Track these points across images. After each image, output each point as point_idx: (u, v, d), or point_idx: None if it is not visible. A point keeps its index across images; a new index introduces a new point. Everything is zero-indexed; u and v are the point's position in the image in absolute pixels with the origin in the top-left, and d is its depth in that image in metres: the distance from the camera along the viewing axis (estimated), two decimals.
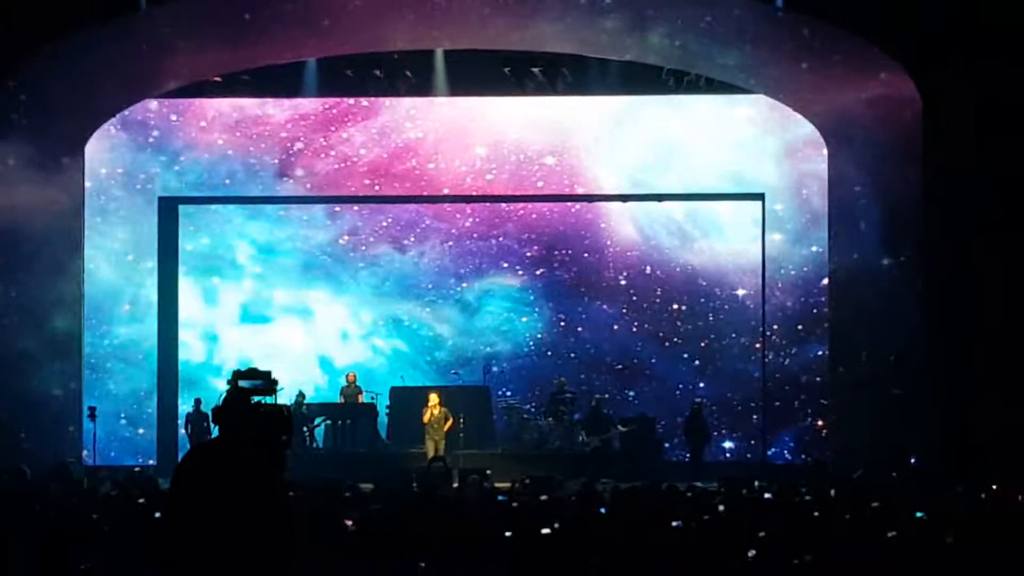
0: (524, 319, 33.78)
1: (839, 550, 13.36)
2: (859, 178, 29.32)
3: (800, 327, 31.83)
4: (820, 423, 31.23)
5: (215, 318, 33.25)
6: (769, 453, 31.61)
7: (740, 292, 33.02)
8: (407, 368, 33.08)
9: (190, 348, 33.00)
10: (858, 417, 29.02)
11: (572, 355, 33.54)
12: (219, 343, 33.14)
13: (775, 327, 32.17)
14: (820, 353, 31.13)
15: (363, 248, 33.54)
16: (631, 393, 32.97)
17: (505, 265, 33.74)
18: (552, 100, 32.06)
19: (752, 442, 32.38)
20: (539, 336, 33.88)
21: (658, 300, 33.72)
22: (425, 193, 32.79)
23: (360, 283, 33.39)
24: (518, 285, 33.73)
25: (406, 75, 31.68)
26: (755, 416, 32.47)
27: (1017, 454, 24.35)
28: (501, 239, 33.58)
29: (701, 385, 33.05)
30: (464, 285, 33.60)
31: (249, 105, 32.47)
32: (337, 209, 33.76)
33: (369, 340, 33.30)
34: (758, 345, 32.55)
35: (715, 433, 31.81)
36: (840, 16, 27.27)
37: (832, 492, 21.33)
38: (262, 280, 33.36)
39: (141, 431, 31.87)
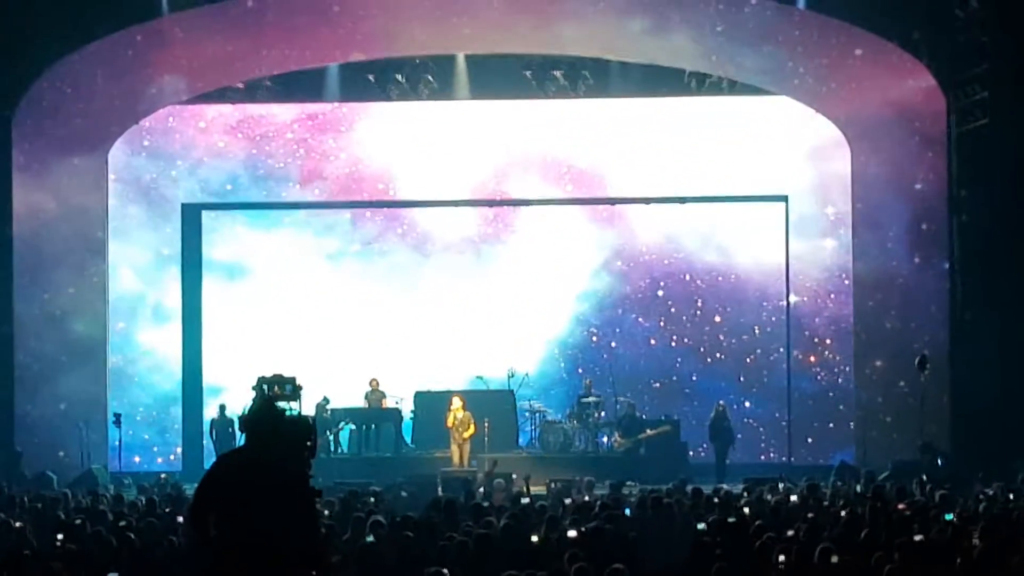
0: (553, 334, 33.17)
1: (867, 553, 13.30)
2: (883, 178, 29.24)
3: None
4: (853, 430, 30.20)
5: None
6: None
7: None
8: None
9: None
10: (884, 418, 28.95)
11: (605, 372, 31.91)
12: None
13: (828, 341, 31.29)
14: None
15: (374, 255, 33.25)
16: (672, 414, 31.08)
17: (530, 274, 33.04)
18: (574, 103, 31.96)
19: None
20: (568, 352, 33.10)
21: (698, 312, 32.65)
22: (445, 198, 32.68)
23: (375, 290, 33.13)
24: (545, 296, 32.92)
25: (427, 79, 31.68)
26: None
27: None
28: (524, 245, 33.26)
29: (747, 404, 31.99)
30: (487, 295, 33.18)
31: (264, 109, 32.36)
32: (348, 215, 33.47)
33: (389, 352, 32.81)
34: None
35: (762, 456, 31.49)
36: (862, 16, 27.24)
37: (858, 491, 21.35)
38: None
39: (166, 437, 31.87)
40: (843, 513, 17.26)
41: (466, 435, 28.71)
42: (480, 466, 27.18)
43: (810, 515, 17.25)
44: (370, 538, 15.29)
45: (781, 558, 13.47)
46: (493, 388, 31.52)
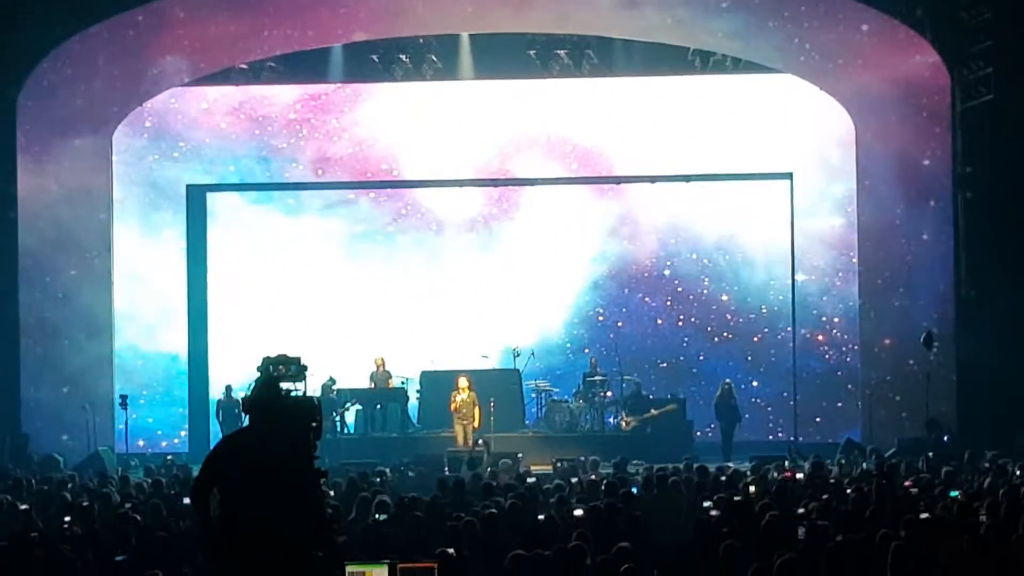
0: (559, 314, 33.08)
1: (873, 530, 13.28)
2: (888, 155, 29.18)
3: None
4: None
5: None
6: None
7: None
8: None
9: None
10: (892, 396, 28.92)
11: (612, 352, 31.74)
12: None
13: (835, 319, 31.26)
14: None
15: (379, 236, 33.25)
16: (678, 393, 30.90)
17: (536, 253, 32.95)
18: (578, 82, 31.90)
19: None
20: (574, 331, 33.04)
21: (705, 291, 32.59)
22: (449, 177, 32.66)
23: (380, 270, 33.06)
24: (550, 275, 32.83)
25: (431, 59, 31.63)
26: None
27: None
28: (529, 225, 33.20)
29: (754, 383, 31.93)
30: (492, 274, 33.10)
31: (267, 90, 32.32)
32: (351, 196, 33.39)
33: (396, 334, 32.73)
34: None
35: (769, 436, 31.37)
36: None
37: (865, 468, 21.35)
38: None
39: (172, 419, 31.87)
40: (849, 491, 17.24)
41: (474, 418, 28.66)
42: (484, 446, 27.16)
43: (820, 493, 17.23)
44: (380, 517, 15.29)
45: (801, 531, 13.51)
46: (499, 367, 31.49)
